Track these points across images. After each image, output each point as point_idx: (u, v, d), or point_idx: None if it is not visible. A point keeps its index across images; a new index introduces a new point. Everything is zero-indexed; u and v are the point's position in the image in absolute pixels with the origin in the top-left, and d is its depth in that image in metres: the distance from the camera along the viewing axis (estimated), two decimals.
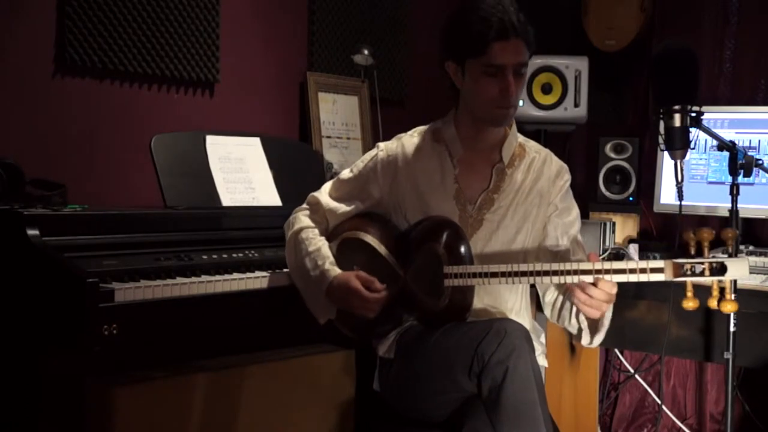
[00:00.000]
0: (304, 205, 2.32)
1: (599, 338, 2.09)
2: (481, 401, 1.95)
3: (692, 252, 1.86)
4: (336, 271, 2.12)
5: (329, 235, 2.26)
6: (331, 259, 2.15)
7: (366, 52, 3.33)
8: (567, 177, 2.25)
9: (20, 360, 2.14)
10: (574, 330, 2.14)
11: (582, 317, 2.06)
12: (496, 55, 2.02)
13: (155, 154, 2.49)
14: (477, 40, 2.03)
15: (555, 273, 1.93)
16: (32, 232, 2.05)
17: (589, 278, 1.90)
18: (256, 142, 2.77)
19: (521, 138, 2.27)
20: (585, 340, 2.10)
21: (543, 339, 2.28)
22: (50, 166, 2.53)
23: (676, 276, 1.85)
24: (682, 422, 3.51)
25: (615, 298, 1.94)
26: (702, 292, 1.87)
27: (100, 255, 2.13)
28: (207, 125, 2.89)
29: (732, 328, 2.33)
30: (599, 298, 1.90)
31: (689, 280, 1.85)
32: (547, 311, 2.22)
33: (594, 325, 2.07)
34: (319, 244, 2.19)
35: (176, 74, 2.90)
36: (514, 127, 2.24)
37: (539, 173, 2.21)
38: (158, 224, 2.34)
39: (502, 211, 2.18)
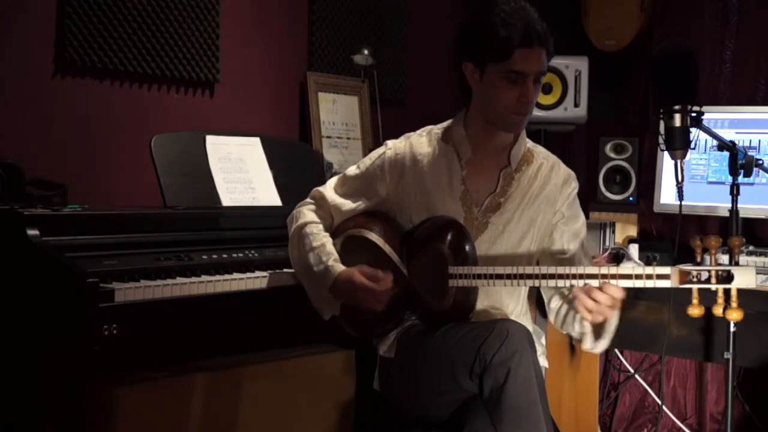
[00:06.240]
0: (309, 200, 2.29)
1: (603, 345, 2.06)
2: (482, 401, 1.95)
3: (698, 259, 1.86)
4: (340, 267, 2.11)
5: (333, 231, 2.25)
6: (335, 256, 2.14)
7: (366, 52, 3.33)
8: (575, 185, 2.24)
9: (20, 360, 2.14)
10: (577, 335, 2.12)
11: (586, 322, 2.03)
12: (518, 61, 2.02)
13: (155, 154, 2.49)
14: (501, 45, 2.01)
15: (561, 276, 1.92)
16: (32, 232, 2.05)
17: (595, 282, 1.88)
18: (256, 142, 2.77)
19: (530, 143, 2.26)
20: (587, 344, 2.05)
21: (543, 340, 2.28)
22: (50, 166, 2.52)
23: (682, 283, 1.84)
24: (682, 422, 3.50)
25: (620, 303, 1.92)
26: (706, 294, 1.86)
27: (100, 255, 2.13)
28: (207, 125, 2.89)
29: (732, 329, 2.33)
30: (604, 303, 1.88)
31: (695, 287, 1.84)
32: (551, 317, 2.22)
33: (598, 331, 2.04)
34: (323, 239, 2.18)
35: (176, 74, 2.90)
36: (524, 131, 2.22)
37: (547, 179, 2.20)
38: (158, 224, 2.34)
39: (508, 215, 2.17)
